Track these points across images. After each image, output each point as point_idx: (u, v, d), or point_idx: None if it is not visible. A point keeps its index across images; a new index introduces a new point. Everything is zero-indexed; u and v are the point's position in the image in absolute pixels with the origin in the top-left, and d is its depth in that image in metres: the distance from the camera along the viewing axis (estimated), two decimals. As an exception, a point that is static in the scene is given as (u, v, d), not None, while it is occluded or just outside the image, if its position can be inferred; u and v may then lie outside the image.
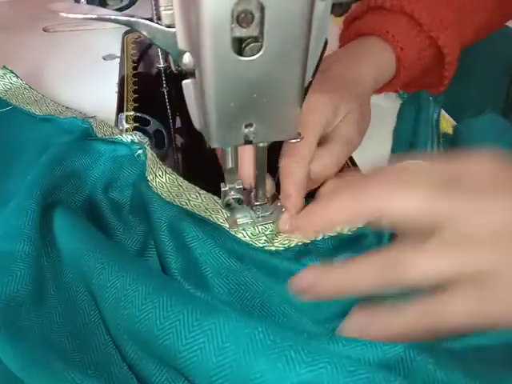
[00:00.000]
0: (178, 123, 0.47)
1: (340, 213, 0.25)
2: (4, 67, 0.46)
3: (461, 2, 0.43)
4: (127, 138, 0.34)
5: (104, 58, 0.59)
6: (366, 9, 0.45)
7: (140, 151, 0.34)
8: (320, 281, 0.24)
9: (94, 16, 0.20)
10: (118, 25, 0.21)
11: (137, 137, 0.34)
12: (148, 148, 0.34)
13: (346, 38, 0.47)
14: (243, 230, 0.32)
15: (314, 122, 0.33)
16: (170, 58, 0.22)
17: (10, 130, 0.40)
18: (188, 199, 0.34)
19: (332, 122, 0.34)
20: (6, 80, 0.45)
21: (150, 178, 0.34)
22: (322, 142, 0.34)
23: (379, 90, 0.45)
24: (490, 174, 0.23)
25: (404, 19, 0.42)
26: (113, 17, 0.20)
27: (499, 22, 0.52)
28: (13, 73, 0.46)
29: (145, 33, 0.21)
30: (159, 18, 0.21)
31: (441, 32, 0.41)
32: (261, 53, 0.20)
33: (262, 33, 0.19)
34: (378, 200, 0.24)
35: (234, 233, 0.32)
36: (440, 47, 0.42)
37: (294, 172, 0.32)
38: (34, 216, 0.28)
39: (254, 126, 0.23)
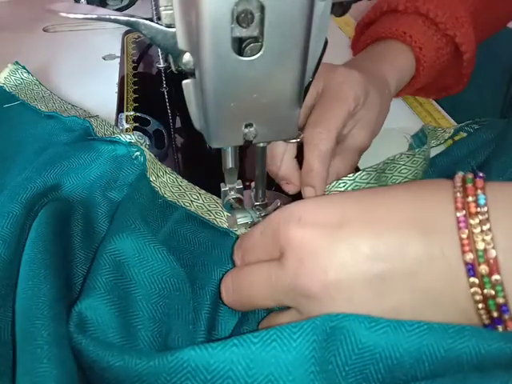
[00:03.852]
0: (178, 123, 0.47)
1: None
2: (16, 63, 0.46)
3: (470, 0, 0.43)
4: (125, 137, 0.34)
5: (104, 58, 0.59)
6: (380, 13, 0.45)
7: (137, 153, 0.34)
8: None
9: (94, 16, 0.20)
10: (117, 25, 0.21)
11: (135, 137, 0.34)
12: (146, 149, 0.34)
13: (361, 44, 0.47)
14: None
15: (346, 95, 0.32)
16: (170, 58, 0.22)
17: (14, 124, 0.41)
18: (191, 200, 0.34)
19: (360, 102, 0.33)
20: (18, 75, 0.45)
21: (152, 178, 0.34)
22: (337, 150, 0.33)
23: (398, 94, 0.45)
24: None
25: (419, 20, 0.42)
26: (113, 17, 0.20)
27: (507, 20, 0.52)
28: (24, 68, 0.46)
29: (145, 33, 0.21)
30: (159, 18, 0.21)
31: (457, 30, 0.41)
32: (261, 53, 0.20)
33: (262, 33, 0.19)
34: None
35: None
36: (457, 45, 0.42)
37: (318, 144, 0.31)
38: (15, 219, 0.27)
39: (254, 126, 0.23)
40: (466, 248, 0.19)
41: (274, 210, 0.32)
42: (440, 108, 0.49)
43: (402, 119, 0.46)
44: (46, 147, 0.35)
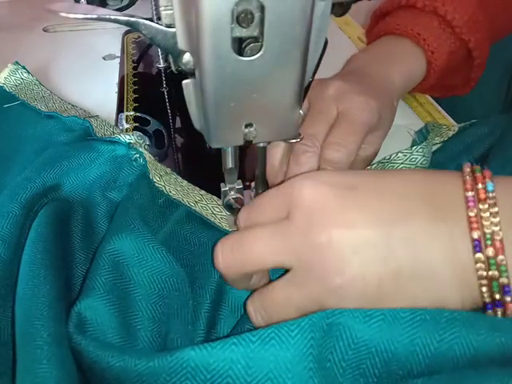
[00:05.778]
0: (178, 123, 0.47)
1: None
2: (16, 63, 0.46)
3: (489, 2, 0.43)
4: (125, 138, 0.34)
5: (104, 58, 0.59)
6: (397, 6, 0.45)
7: (137, 155, 0.34)
8: None
9: (94, 16, 0.20)
10: (117, 25, 0.21)
11: (135, 137, 0.34)
12: (145, 151, 0.34)
13: (374, 34, 0.47)
14: None
15: (364, 122, 0.33)
16: (170, 58, 0.22)
17: (14, 124, 0.40)
18: (195, 201, 0.34)
19: (373, 127, 0.35)
20: (18, 75, 0.45)
21: (156, 179, 0.34)
22: None
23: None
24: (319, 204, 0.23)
25: (436, 21, 0.42)
26: (113, 17, 0.20)
27: None
28: (24, 68, 0.46)
29: (145, 33, 0.21)
30: (159, 18, 0.21)
31: (472, 35, 0.41)
32: (261, 53, 0.20)
33: (262, 33, 0.19)
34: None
35: None
36: (470, 50, 0.42)
37: (338, 163, 0.32)
38: (14, 220, 0.27)
39: (254, 126, 0.23)
40: (474, 225, 0.21)
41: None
42: (440, 108, 0.49)
43: (403, 119, 0.46)
44: (46, 147, 0.35)
